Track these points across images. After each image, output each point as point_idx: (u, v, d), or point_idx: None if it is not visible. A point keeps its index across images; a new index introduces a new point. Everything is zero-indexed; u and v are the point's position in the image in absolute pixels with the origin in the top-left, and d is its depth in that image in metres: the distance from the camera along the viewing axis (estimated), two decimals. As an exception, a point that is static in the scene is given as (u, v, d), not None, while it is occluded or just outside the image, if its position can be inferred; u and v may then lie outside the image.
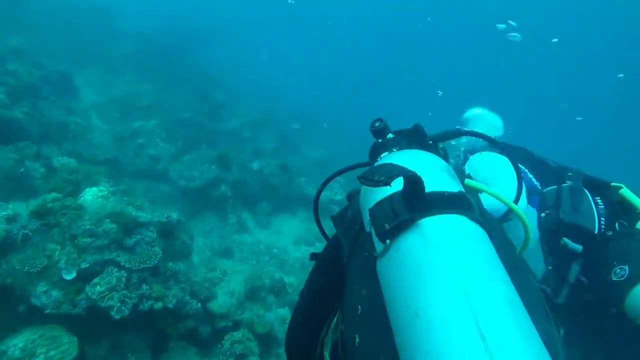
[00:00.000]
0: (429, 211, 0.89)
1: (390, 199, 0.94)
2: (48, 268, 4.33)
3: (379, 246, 0.93)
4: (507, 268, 0.86)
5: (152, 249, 4.94)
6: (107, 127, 9.52)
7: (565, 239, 1.87)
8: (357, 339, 0.99)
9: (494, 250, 0.89)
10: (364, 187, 1.11)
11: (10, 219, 4.37)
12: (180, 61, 13.96)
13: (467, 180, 1.39)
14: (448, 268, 0.79)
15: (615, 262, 1.70)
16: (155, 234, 5.10)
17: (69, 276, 4.30)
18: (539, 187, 2.12)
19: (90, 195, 5.28)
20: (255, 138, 12.10)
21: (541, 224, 1.99)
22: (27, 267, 4.19)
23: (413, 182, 0.89)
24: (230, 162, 8.91)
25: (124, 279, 4.56)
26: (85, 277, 4.46)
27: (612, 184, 1.93)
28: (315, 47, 32.31)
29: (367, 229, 1.03)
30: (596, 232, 1.83)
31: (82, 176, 5.98)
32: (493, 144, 2.16)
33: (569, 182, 2.03)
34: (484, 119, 2.30)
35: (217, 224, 8.66)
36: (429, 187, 0.92)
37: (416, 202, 0.90)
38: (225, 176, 8.67)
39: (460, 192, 0.98)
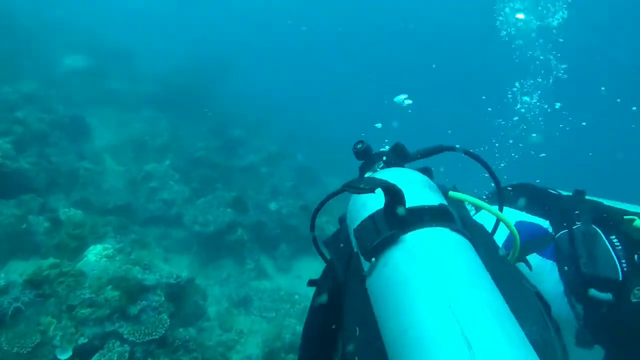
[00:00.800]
0: (410, 226, 0.90)
1: (373, 217, 0.96)
2: (41, 345, 3.84)
3: (366, 265, 0.94)
4: (495, 275, 0.87)
5: (159, 316, 4.42)
6: (121, 168, 9.22)
7: (592, 291, 1.78)
8: None
9: (478, 259, 0.89)
10: (349, 208, 1.14)
11: (2, 291, 3.92)
12: (196, 97, 13.85)
13: (451, 192, 1.36)
14: (431, 281, 0.79)
15: (635, 287, 1.69)
16: (163, 298, 4.59)
17: (64, 356, 3.80)
18: (551, 232, 2.01)
19: (94, 255, 4.84)
20: (273, 173, 11.67)
21: (564, 278, 1.90)
22: (16, 348, 3.71)
23: (394, 193, 0.90)
24: (247, 204, 8.44)
25: (126, 354, 4.05)
26: (83, 353, 3.96)
27: (625, 217, 1.82)
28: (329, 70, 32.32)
29: (356, 249, 1.03)
30: (620, 277, 1.74)
31: (88, 230, 5.58)
32: (491, 196, 2.17)
33: (578, 224, 1.91)
34: None
35: (234, 270, 8.12)
36: (410, 202, 0.93)
37: (398, 218, 0.91)
38: (241, 219, 8.18)
39: (441, 204, 0.98)
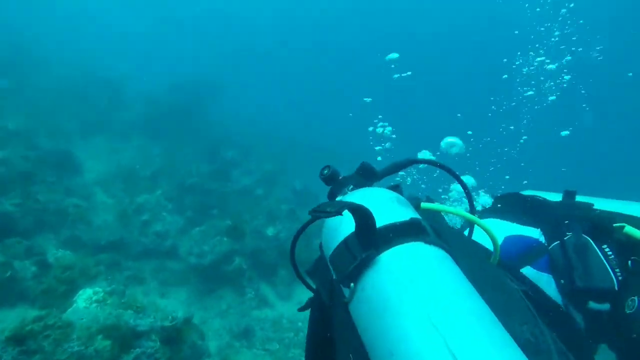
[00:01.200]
0: (384, 245, 0.89)
1: (346, 241, 0.96)
2: (27, 408, 3.57)
3: (346, 291, 0.94)
4: (477, 281, 0.87)
5: (155, 364, 4.16)
6: (112, 201, 8.96)
7: (591, 303, 1.75)
8: None
9: (457, 268, 0.89)
10: (322, 234, 1.12)
11: (-18, 350, 3.64)
12: (189, 120, 13.68)
13: (423, 204, 1.35)
14: (410, 298, 0.78)
15: (629, 296, 1.65)
16: (159, 343, 4.33)
17: (53, 418, 3.52)
18: (543, 242, 1.97)
19: (84, 301, 4.57)
20: (269, 195, 11.44)
21: (561, 290, 1.86)
22: (0, 412, 3.43)
23: (362, 214, 0.90)
24: (243, 231, 8.19)
25: (121, 409, 3.77)
26: (74, 412, 3.68)
27: (615, 225, 1.77)
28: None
29: (335, 276, 1.01)
30: (616, 287, 1.71)
31: (78, 272, 5.32)
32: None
33: (569, 234, 1.88)
34: None
35: (234, 301, 7.84)
36: (381, 220, 0.93)
37: (370, 239, 0.90)
38: (238, 247, 7.93)
39: (411, 218, 0.97)
